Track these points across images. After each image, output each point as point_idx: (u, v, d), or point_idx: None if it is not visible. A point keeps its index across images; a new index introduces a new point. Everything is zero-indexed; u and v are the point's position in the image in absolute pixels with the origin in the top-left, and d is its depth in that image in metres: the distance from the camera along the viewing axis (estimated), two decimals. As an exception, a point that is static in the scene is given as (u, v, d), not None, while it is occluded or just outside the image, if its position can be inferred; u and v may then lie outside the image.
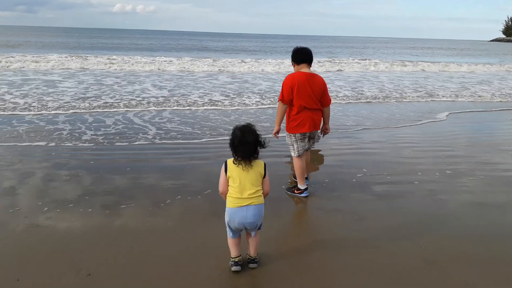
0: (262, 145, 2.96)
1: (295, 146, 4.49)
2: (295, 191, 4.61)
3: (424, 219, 4.13)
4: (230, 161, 3.00)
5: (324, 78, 4.59)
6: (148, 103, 10.22)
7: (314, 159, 6.33)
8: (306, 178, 4.77)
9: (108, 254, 3.30)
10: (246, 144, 2.88)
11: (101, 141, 6.67)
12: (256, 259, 3.18)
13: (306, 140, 4.56)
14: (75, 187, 4.66)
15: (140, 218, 3.97)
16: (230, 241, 3.12)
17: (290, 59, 4.60)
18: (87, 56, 22.42)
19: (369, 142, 7.26)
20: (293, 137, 4.48)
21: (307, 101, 4.33)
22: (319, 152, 6.60)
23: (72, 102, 9.98)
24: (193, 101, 10.77)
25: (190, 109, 9.77)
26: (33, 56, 20.96)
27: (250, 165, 2.95)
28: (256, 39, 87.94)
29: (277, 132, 4.58)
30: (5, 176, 4.94)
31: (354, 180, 5.18)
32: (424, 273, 3.15)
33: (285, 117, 4.55)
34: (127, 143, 6.59)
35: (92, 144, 6.47)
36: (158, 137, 6.99)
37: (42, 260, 3.19)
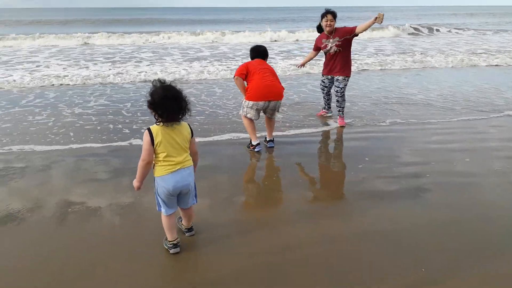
0: (186, 102, 2.62)
1: (246, 109, 5.36)
2: (250, 147, 5.53)
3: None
4: (153, 127, 2.64)
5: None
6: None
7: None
8: (272, 141, 5.61)
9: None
10: (170, 100, 2.54)
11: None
12: (192, 228, 3.16)
13: (255, 109, 5.27)
14: None
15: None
16: (166, 221, 2.88)
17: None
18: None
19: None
20: (246, 103, 5.36)
21: (261, 74, 5.14)
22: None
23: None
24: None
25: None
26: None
27: (177, 127, 2.66)
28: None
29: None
30: None
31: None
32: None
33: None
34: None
35: None
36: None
37: None
